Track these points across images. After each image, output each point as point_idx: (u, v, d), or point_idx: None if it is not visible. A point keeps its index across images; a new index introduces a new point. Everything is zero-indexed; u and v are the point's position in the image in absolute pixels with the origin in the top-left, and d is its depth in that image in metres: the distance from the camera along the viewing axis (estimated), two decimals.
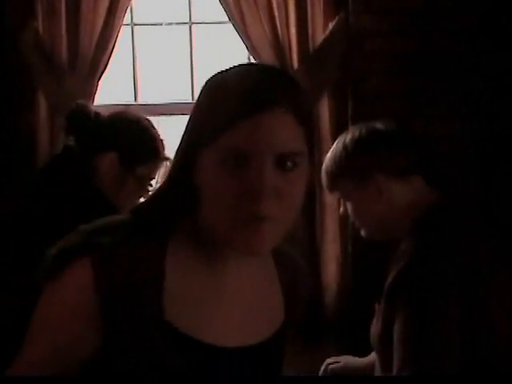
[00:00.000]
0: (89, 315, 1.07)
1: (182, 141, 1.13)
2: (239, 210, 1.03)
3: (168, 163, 2.18)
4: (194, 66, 3.17)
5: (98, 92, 2.92)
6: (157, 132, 2.18)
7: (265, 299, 1.25)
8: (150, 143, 2.14)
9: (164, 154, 2.18)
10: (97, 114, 2.12)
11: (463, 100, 2.91)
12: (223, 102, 1.04)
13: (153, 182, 2.18)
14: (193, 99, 3.17)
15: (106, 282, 1.06)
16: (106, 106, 2.35)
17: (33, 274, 1.13)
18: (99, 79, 2.91)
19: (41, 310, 1.11)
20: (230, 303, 1.18)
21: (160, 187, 1.17)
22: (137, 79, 3.18)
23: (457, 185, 2.77)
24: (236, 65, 1.12)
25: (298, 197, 1.09)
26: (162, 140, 2.19)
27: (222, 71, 1.12)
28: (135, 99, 3.18)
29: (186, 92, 3.18)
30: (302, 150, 1.07)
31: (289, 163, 1.05)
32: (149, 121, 2.18)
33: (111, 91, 3.09)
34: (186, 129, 1.12)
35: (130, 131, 2.11)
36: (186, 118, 3.05)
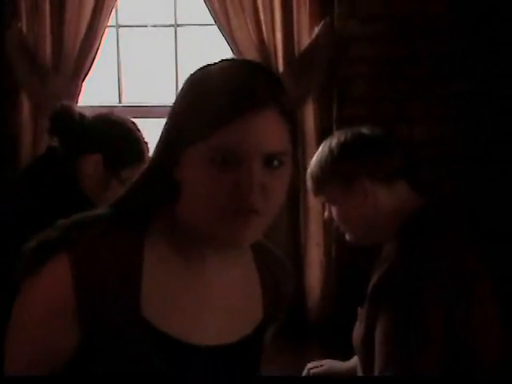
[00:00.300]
0: (67, 312, 1.06)
1: (162, 136, 1.12)
2: (226, 206, 1.04)
3: None
4: (178, 68, 3.16)
5: (82, 93, 2.91)
6: (141, 135, 2.17)
7: (243, 296, 1.24)
8: (135, 146, 2.13)
9: (148, 156, 2.17)
10: (81, 116, 2.10)
11: (449, 104, 2.92)
12: (210, 101, 1.04)
13: None
14: None
15: (83, 278, 1.05)
16: (90, 107, 2.33)
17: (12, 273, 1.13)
18: (83, 80, 2.89)
19: (19, 309, 1.10)
20: (208, 301, 1.17)
21: (137, 181, 1.17)
22: (121, 81, 3.17)
23: (442, 189, 2.79)
24: (219, 60, 1.11)
25: (282, 193, 1.12)
26: (146, 143, 2.18)
27: (205, 66, 1.11)
28: (119, 101, 3.17)
29: (170, 94, 3.18)
30: (288, 149, 1.09)
31: (275, 162, 1.07)
32: (134, 123, 2.17)
33: (95, 92, 3.07)
34: (167, 125, 1.11)
35: (115, 133, 2.10)
36: None
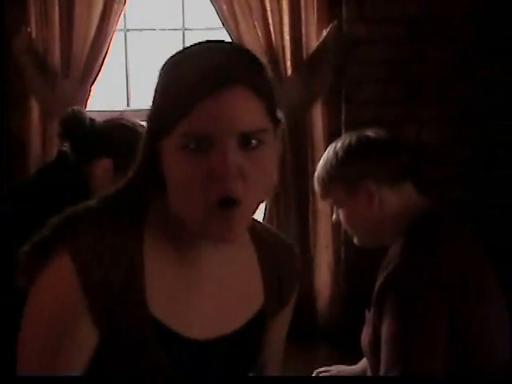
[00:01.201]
0: (80, 310, 1.03)
1: (145, 129, 1.10)
2: (204, 196, 0.99)
3: None
4: None
5: (90, 97, 2.92)
6: None
7: (242, 283, 1.20)
8: None
9: None
10: (91, 120, 2.12)
11: (457, 106, 2.92)
12: (178, 85, 1.00)
13: None
14: None
15: (88, 274, 1.02)
16: (98, 111, 2.35)
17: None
18: (92, 84, 2.90)
19: (30, 315, 1.07)
20: (206, 292, 1.14)
21: (128, 177, 1.15)
22: (129, 85, 3.18)
23: (448, 191, 2.78)
24: (194, 43, 1.06)
25: (265, 177, 1.03)
26: None
27: (179, 51, 1.06)
28: (128, 105, 3.17)
29: None
30: (265, 126, 1.01)
31: (253, 141, 0.99)
32: (143, 127, 2.18)
33: (104, 97, 3.08)
34: (148, 116, 1.08)
35: (125, 138, 2.10)
36: None
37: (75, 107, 2.15)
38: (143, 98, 3.23)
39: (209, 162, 0.97)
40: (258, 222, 1.25)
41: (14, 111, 2.91)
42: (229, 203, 0.99)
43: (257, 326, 1.21)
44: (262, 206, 2.99)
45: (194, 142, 0.98)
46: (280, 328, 1.33)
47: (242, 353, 1.20)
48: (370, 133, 1.96)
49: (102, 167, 2.05)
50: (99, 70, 2.90)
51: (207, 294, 1.14)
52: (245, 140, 0.99)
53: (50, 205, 1.93)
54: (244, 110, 0.99)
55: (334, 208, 2.02)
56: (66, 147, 2.11)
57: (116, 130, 2.12)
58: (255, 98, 1.00)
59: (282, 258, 1.28)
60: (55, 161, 2.13)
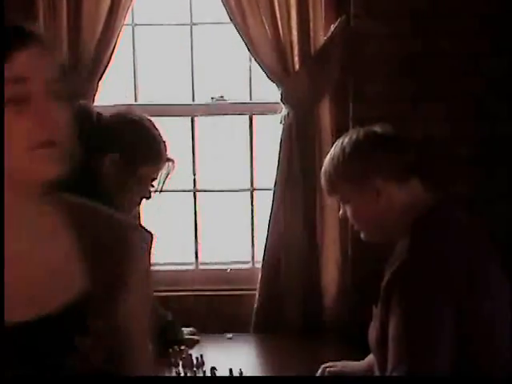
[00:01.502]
0: None
1: None
2: (28, 142, 1.11)
3: (170, 164, 2.18)
4: (194, 66, 3.16)
5: (98, 92, 2.92)
6: (159, 133, 2.18)
7: (58, 263, 1.17)
8: (153, 144, 2.14)
9: (166, 155, 2.17)
10: (99, 115, 2.11)
11: (464, 102, 2.91)
12: None
13: (154, 183, 2.17)
14: (193, 100, 3.17)
15: None
16: (106, 106, 2.34)
17: None
18: (100, 79, 2.90)
19: None
20: (17, 270, 1.12)
21: None
22: (137, 80, 3.18)
23: (455, 187, 2.78)
24: None
25: (67, 121, 1.22)
26: (164, 141, 2.19)
27: None
28: (135, 100, 3.17)
29: (186, 93, 3.18)
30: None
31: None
32: (151, 121, 2.18)
33: (111, 91, 3.08)
34: None
35: (133, 132, 2.10)
36: (187, 118, 3.08)
37: (82, 102, 2.14)
38: (151, 93, 3.23)
39: (26, 115, 1.11)
40: (78, 199, 1.29)
41: None
42: (46, 144, 1.14)
43: (78, 310, 1.16)
44: (269, 202, 2.99)
45: (10, 101, 1.11)
46: (127, 317, 1.21)
47: (61, 337, 1.14)
48: (377, 129, 1.96)
49: (110, 162, 2.05)
50: (107, 65, 2.90)
51: (18, 272, 1.12)
52: (51, 89, 1.16)
53: None
54: (47, 62, 1.18)
55: (341, 204, 2.03)
56: None
57: (123, 124, 2.12)
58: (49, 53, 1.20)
59: (106, 237, 1.25)
60: None
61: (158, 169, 2.16)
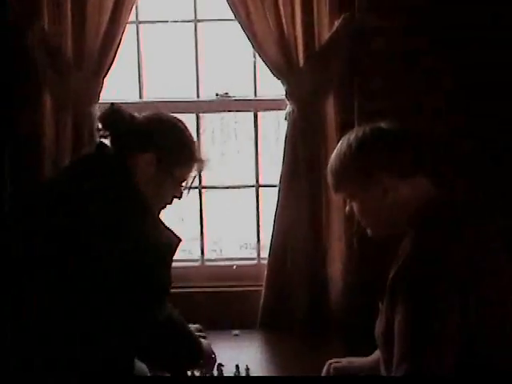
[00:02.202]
0: None
1: None
2: None
3: (201, 164, 2.20)
4: (199, 63, 3.16)
5: (103, 89, 2.92)
6: (191, 133, 2.20)
7: None
8: (188, 145, 2.17)
9: (199, 155, 2.19)
10: (131, 115, 2.14)
11: (469, 97, 2.90)
12: None
13: (184, 184, 2.19)
14: (198, 97, 3.17)
15: None
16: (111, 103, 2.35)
17: None
18: (105, 77, 2.91)
19: None
20: None
21: None
22: (142, 77, 3.18)
23: (461, 182, 2.77)
24: None
25: None
26: (195, 141, 2.21)
27: None
28: (140, 96, 3.18)
29: (191, 89, 3.18)
30: None
31: None
32: (183, 122, 2.20)
33: (116, 89, 3.09)
34: None
35: (168, 133, 2.13)
36: (192, 115, 3.08)
37: (115, 103, 2.15)
38: (155, 90, 3.23)
39: None
40: None
41: (27, 104, 2.92)
42: None
43: None
44: (274, 198, 2.99)
45: None
46: None
47: None
48: (383, 125, 1.96)
49: (145, 162, 2.07)
50: (112, 62, 2.90)
51: None
52: None
53: (91, 196, 1.93)
54: None
55: (347, 200, 2.03)
56: (103, 140, 2.13)
57: (159, 126, 2.14)
58: None
59: None
60: (95, 153, 2.12)
61: (191, 169, 2.19)
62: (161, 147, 2.09)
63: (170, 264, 2.03)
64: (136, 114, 2.17)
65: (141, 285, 1.88)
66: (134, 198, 1.99)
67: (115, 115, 2.12)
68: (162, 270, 1.99)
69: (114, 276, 1.84)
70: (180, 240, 2.07)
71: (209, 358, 2.28)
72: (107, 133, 2.14)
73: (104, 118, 2.14)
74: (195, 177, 2.23)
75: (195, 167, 2.20)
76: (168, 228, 2.07)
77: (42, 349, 1.83)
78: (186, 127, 2.19)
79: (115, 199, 1.93)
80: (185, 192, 2.21)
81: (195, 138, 2.24)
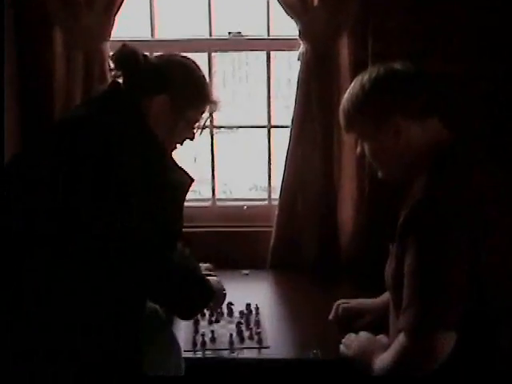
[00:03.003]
0: None
1: None
2: None
3: (213, 105, 2.19)
4: (211, 1, 3.12)
5: (114, 28, 2.89)
6: (204, 75, 2.18)
7: None
8: (201, 86, 2.14)
9: (211, 96, 2.17)
10: (145, 57, 2.11)
11: (483, 38, 2.86)
12: None
13: (196, 125, 2.18)
14: (210, 35, 3.13)
15: None
16: (122, 41, 2.32)
17: None
18: (116, 14, 2.88)
19: None
20: None
21: None
22: (154, 15, 3.14)
23: (472, 124, 2.75)
24: None
25: None
26: (208, 83, 2.19)
27: None
28: (152, 35, 3.14)
29: (203, 28, 3.14)
30: None
31: None
32: (196, 64, 2.17)
33: (128, 27, 3.05)
34: None
35: (182, 74, 2.10)
36: (204, 54, 3.05)
37: (127, 43, 2.12)
38: (167, 29, 3.19)
39: None
40: None
41: (39, 42, 2.90)
42: None
43: None
44: (286, 139, 2.98)
45: None
46: None
47: None
48: (397, 66, 1.94)
49: (159, 104, 2.04)
50: (122, 0, 2.87)
51: None
52: None
53: (108, 133, 1.90)
54: None
55: (359, 141, 2.01)
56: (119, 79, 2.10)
57: (172, 67, 2.11)
58: None
59: None
60: (108, 91, 2.09)
61: (205, 111, 2.17)
62: (174, 89, 2.07)
63: (183, 205, 2.03)
64: (148, 54, 2.15)
65: (154, 229, 1.87)
66: (148, 139, 1.97)
67: (128, 55, 2.08)
68: (174, 212, 1.98)
69: (127, 219, 1.82)
70: (193, 180, 2.07)
71: (220, 295, 2.29)
72: (119, 73, 2.11)
73: (117, 58, 2.10)
74: (207, 118, 2.21)
75: (208, 108, 2.18)
76: (181, 168, 2.06)
77: (44, 335, 1.77)
78: (199, 68, 2.16)
79: (130, 140, 1.91)
80: (197, 133, 2.20)
81: (207, 79, 2.21)
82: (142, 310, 1.97)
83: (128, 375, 1.86)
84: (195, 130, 2.18)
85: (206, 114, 2.19)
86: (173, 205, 1.98)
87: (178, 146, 2.18)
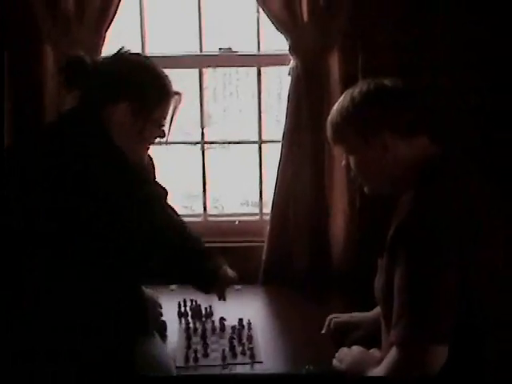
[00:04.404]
0: None
1: None
2: None
3: (177, 97, 2.11)
4: (202, 17, 3.13)
5: (104, 43, 2.89)
6: (160, 69, 2.08)
7: None
8: (161, 83, 2.03)
9: (173, 89, 2.09)
10: (94, 63, 2.03)
11: (472, 51, 2.88)
12: None
13: (164, 122, 2.10)
14: (201, 51, 3.14)
15: None
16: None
17: None
18: (106, 30, 2.88)
19: None
20: None
21: None
22: (144, 30, 3.15)
23: (460, 137, 2.76)
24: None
25: None
26: (167, 76, 2.09)
27: None
28: (142, 51, 3.15)
29: (193, 43, 3.15)
30: None
31: None
32: (150, 59, 2.09)
33: (118, 42, 3.05)
34: None
35: (139, 75, 1.99)
36: (195, 70, 3.04)
37: (72, 53, 2.06)
38: (158, 44, 3.20)
39: None
40: None
41: (29, 58, 2.90)
42: None
43: None
44: (277, 154, 2.98)
45: None
46: None
47: None
48: (387, 81, 1.94)
49: (120, 113, 1.96)
50: (113, 16, 2.87)
51: None
52: None
53: (73, 156, 1.87)
54: None
55: (344, 155, 2.02)
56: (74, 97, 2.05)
57: (127, 70, 2.01)
58: None
59: None
60: (70, 109, 2.05)
61: (169, 105, 2.08)
62: (132, 94, 1.97)
63: (164, 217, 2.01)
64: (99, 59, 2.08)
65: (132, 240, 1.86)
66: (113, 155, 1.91)
67: (75, 69, 1.99)
68: (151, 224, 1.94)
69: (105, 235, 1.80)
70: (167, 192, 2.04)
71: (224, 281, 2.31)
72: (71, 89, 2.02)
73: (65, 76, 2.01)
74: (174, 112, 2.10)
75: (172, 102, 2.09)
76: (155, 181, 2.03)
77: (44, 335, 1.78)
78: (154, 64, 2.06)
79: (92, 159, 1.84)
80: (166, 130, 2.12)
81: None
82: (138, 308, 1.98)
83: (123, 375, 1.86)
84: (164, 128, 2.09)
85: (171, 109, 2.09)
86: (150, 217, 1.94)
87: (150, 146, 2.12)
